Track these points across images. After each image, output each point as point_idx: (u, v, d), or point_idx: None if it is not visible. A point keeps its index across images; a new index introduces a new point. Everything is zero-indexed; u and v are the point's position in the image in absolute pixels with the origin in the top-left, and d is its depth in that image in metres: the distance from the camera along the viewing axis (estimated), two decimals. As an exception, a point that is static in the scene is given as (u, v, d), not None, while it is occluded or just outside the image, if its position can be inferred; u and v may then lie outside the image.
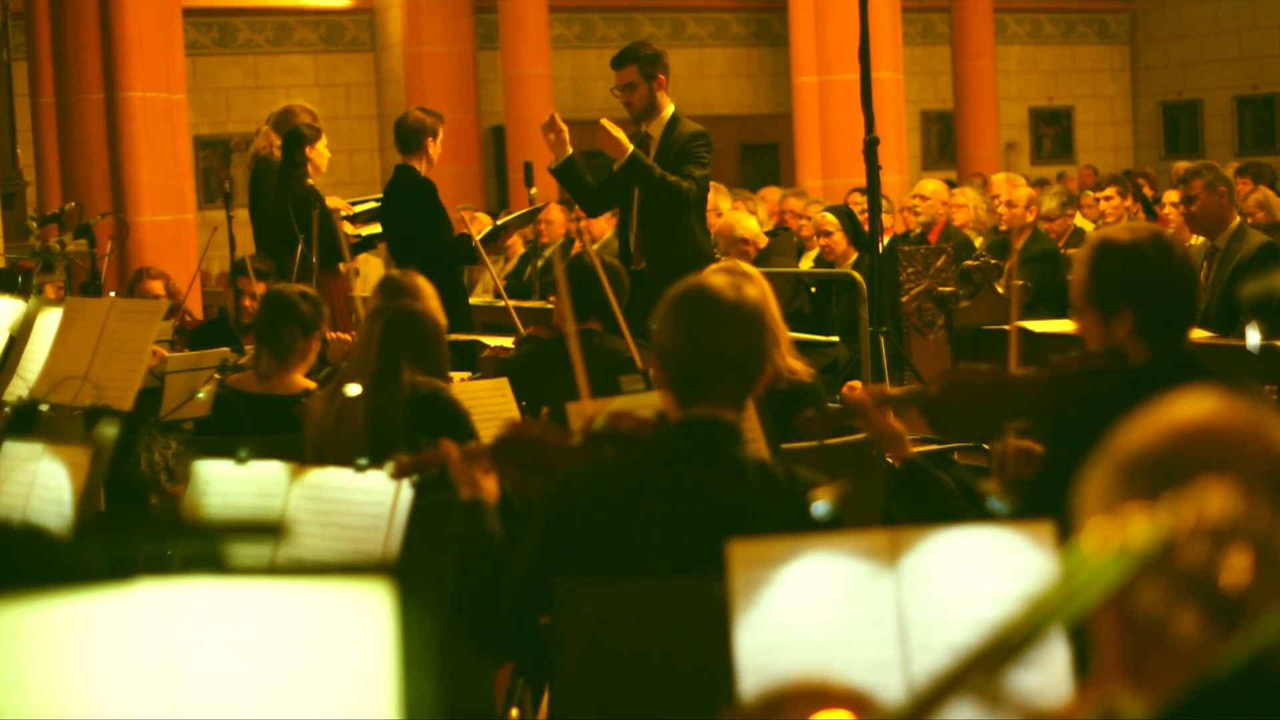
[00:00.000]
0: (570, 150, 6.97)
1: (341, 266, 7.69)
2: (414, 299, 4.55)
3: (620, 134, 6.71)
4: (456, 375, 5.52)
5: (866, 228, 7.91)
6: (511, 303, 7.15)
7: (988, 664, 1.44)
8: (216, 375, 5.69)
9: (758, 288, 4.17)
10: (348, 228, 7.69)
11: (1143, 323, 3.25)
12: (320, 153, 7.71)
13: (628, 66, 6.87)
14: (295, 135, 7.68)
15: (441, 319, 4.54)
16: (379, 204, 7.79)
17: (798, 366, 4.73)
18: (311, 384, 5.13)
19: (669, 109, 6.89)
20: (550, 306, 5.92)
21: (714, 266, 4.83)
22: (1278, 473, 1.52)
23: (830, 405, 4.29)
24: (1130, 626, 1.46)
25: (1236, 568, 1.40)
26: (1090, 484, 1.58)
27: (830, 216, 8.68)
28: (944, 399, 3.33)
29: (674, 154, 6.75)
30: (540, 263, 9.87)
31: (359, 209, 7.91)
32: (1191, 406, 1.58)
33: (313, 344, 5.21)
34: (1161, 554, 1.41)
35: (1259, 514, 1.42)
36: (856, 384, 5.45)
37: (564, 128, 6.90)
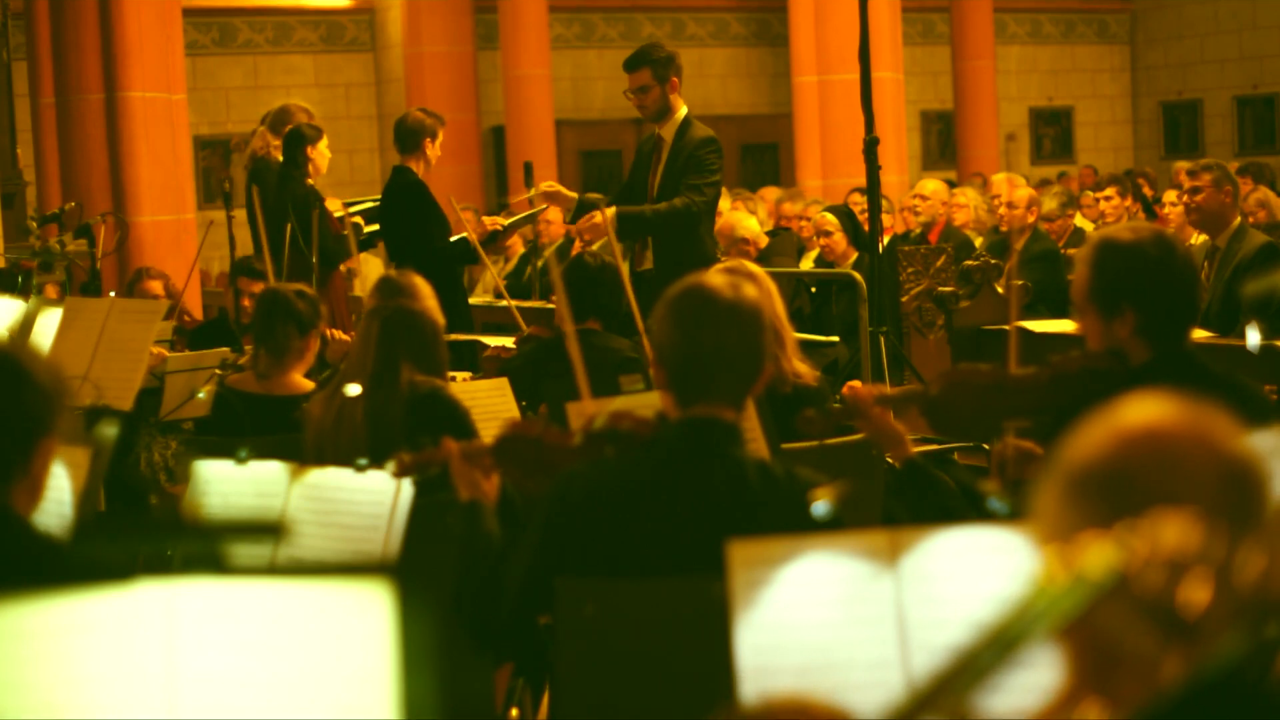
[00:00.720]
0: (576, 195, 6.99)
1: (342, 267, 7.69)
2: (411, 299, 4.55)
3: (599, 216, 6.61)
4: (457, 375, 5.53)
5: (866, 228, 7.91)
6: (514, 303, 7.15)
7: (951, 689, 1.43)
8: (218, 371, 5.68)
9: (759, 288, 4.16)
10: (357, 220, 7.70)
11: (1144, 322, 3.25)
12: (321, 153, 7.71)
13: (641, 69, 6.84)
14: (297, 135, 7.67)
15: (439, 318, 4.55)
16: (376, 204, 7.79)
17: (803, 370, 4.71)
18: (311, 384, 5.13)
19: (682, 110, 6.85)
20: (552, 306, 5.95)
21: (718, 266, 4.83)
22: (1225, 480, 1.52)
23: (831, 405, 4.29)
24: (1091, 647, 1.46)
25: (1194, 591, 1.39)
26: (1041, 497, 1.58)
27: (830, 216, 8.67)
28: (945, 399, 3.33)
29: (682, 160, 6.74)
30: (540, 263, 9.87)
31: (356, 209, 7.91)
32: (1137, 413, 1.57)
33: (310, 343, 5.20)
34: (1118, 581, 1.40)
35: (1215, 539, 1.41)
36: (857, 383, 5.45)
37: (559, 190, 6.93)
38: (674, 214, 6.64)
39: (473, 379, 5.57)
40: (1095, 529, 1.47)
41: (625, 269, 6.48)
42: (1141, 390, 1.68)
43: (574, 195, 7.01)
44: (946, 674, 1.43)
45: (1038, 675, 1.61)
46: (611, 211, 6.65)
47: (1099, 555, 1.41)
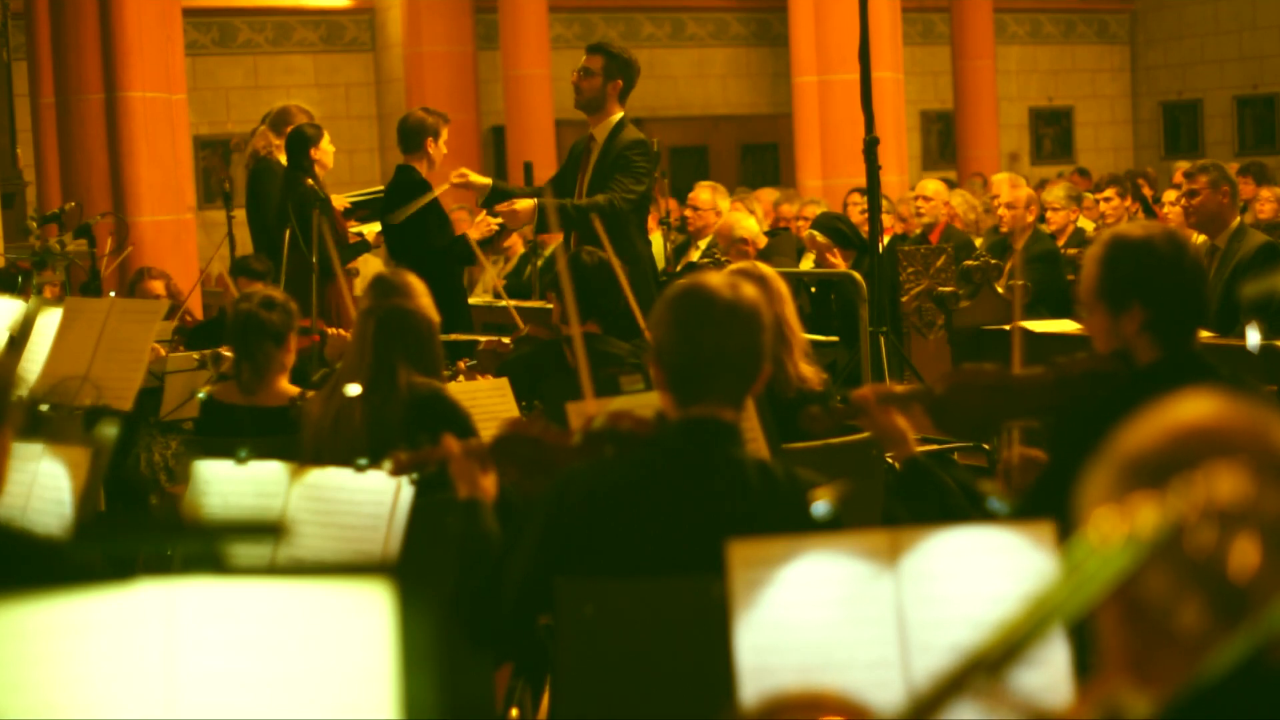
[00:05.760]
0: (490, 180, 7.08)
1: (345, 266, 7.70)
2: (405, 297, 4.54)
3: (520, 204, 6.82)
4: (461, 363, 5.53)
5: (865, 229, 7.90)
6: (511, 303, 7.16)
7: (993, 661, 1.43)
8: (205, 387, 5.62)
9: (770, 290, 4.16)
10: (363, 230, 7.72)
11: (1153, 319, 3.25)
12: (325, 150, 7.72)
13: (596, 55, 6.94)
14: (299, 137, 7.67)
15: (434, 316, 4.54)
16: (378, 195, 7.80)
17: (809, 374, 4.68)
18: (295, 389, 5.10)
19: (617, 115, 6.89)
20: (549, 306, 5.90)
21: (731, 267, 4.82)
22: (1277, 471, 1.52)
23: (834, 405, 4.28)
24: (1134, 622, 1.46)
25: (1245, 555, 1.39)
26: (1092, 485, 1.58)
27: (820, 236, 8.57)
28: (949, 398, 3.33)
29: (610, 160, 6.76)
30: (540, 262, 9.87)
31: (358, 201, 7.92)
32: (1193, 408, 1.57)
33: (287, 349, 5.13)
34: (1169, 540, 1.40)
35: (1267, 499, 1.41)
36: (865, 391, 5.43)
37: (468, 178, 7.04)
38: (598, 209, 6.56)
39: (469, 369, 5.56)
40: None
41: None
42: (1146, 391, 1.68)
43: (486, 181, 7.11)
44: (988, 647, 1.42)
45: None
46: (531, 203, 6.71)
47: (1150, 513, 1.40)
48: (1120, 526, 1.41)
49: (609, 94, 6.84)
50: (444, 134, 7.40)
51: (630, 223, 6.77)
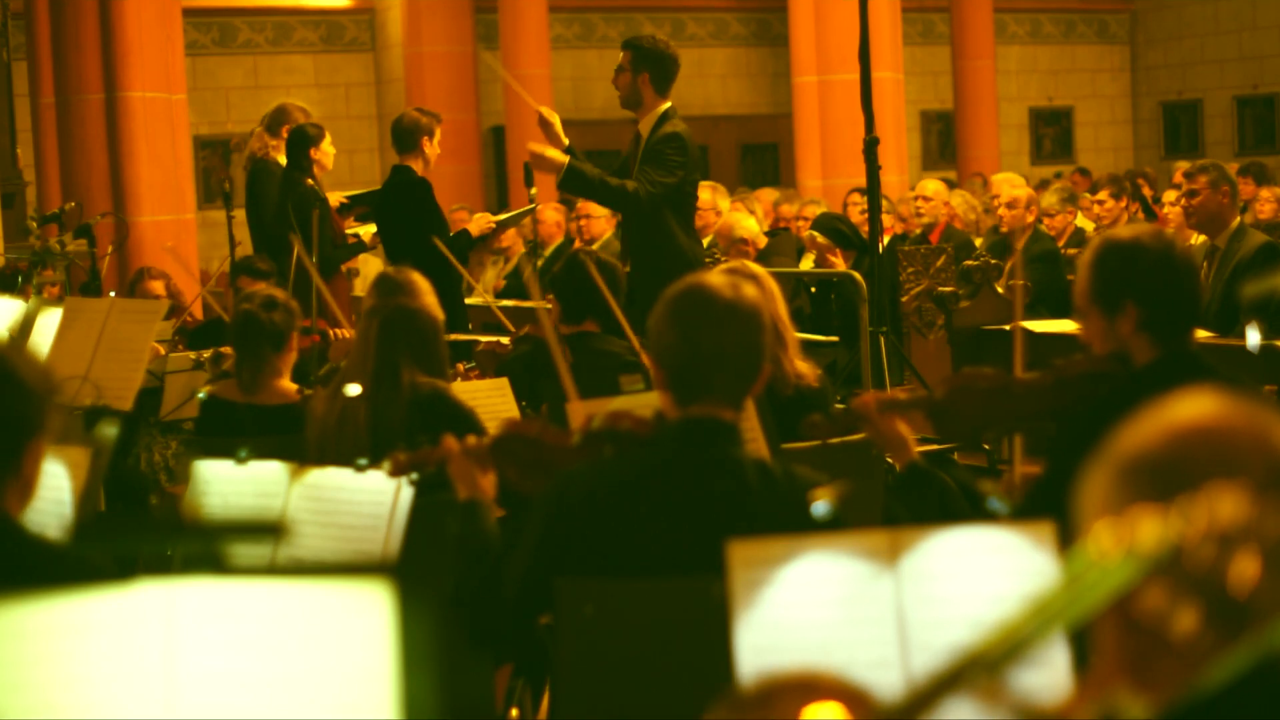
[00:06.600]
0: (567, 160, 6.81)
1: (342, 267, 7.70)
2: (410, 296, 4.53)
3: (552, 152, 6.64)
4: (459, 365, 5.52)
5: (865, 229, 7.90)
6: (505, 302, 7.16)
7: (990, 663, 1.44)
8: (206, 386, 5.62)
9: (761, 288, 4.14)
10: (359, 230, 7.72)
11: (1147, 317, 3.25)
12: (325, 151, 7.72)
13: (626, 50, 6.87)
14: (300, 137, 7.67)
15: (439, 315, 4.53)
16: (373, 195, 7.81)
17: (805, 370, 4.69)
18: (295, 388, 5.10)
19: (661, 108, 6.76)
20: (550, 306, 5.88)
21: (722, 266, 4.81)
22: (1277, 472, 1.52)
23: (835, 407, 4.28)
24: (1132, 630, 1.46)
25: (1245, 571, 1.40)
26: (1090, 486, 1.58)
27: (820, 237, 8.56)
28: (949, 404, 3.34)
29: (645, 154, 6.71)
30: (540, 262, 9.87)
31: (356, 200, 7.93)
32: (1191, 408, 1.58)
33: (288, 350, 5.12)
34: (1170, 557, 1.40)
35: (1269, 517, 1.41)
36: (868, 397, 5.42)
37: (553, 123, 6.79)
38: (621, 193, 6.54)
39: (467, 371, 5.56)
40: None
41: None
42: (1145, 391, 1.68)
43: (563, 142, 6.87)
44: (984, 649, 1.43)
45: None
46: (565, 158, 6.62)
47: (1152, 529, 1.41)
48: (1121, 541, 1.42)
49: (641, 87, 6.76)
50: (438, 133, 7.41)
51: (667, 217, 6.62)
